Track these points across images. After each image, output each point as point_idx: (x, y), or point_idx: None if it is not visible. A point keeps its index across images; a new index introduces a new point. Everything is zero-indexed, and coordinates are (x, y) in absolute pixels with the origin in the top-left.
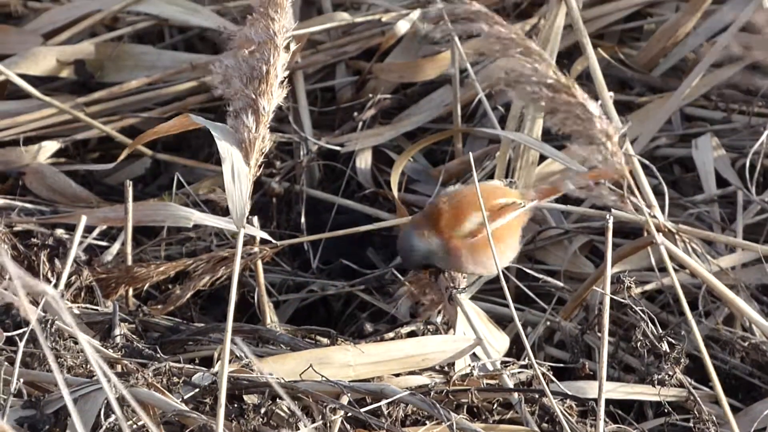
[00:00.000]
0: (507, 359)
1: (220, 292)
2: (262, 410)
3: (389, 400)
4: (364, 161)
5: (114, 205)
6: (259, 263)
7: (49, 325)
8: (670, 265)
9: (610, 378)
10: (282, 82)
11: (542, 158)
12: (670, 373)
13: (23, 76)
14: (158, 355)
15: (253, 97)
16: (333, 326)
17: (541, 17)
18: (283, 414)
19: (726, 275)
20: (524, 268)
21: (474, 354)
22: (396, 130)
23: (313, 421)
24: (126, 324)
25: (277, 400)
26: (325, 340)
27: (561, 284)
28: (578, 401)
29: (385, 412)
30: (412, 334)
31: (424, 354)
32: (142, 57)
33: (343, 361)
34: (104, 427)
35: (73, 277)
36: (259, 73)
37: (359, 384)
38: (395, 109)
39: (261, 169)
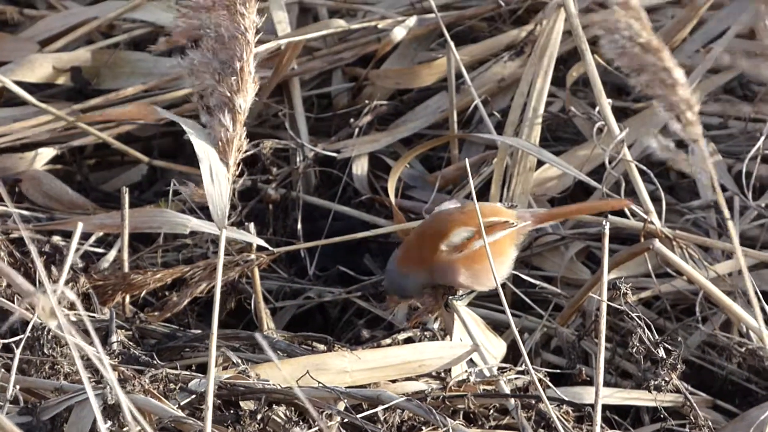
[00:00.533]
0: (504, 365)
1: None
2: (259, 416)
3: (386, 406)
4: (360, 167)
5: (110, 211)
6: (256, 270)
7: (46, 332)
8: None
9: (606, 384)
10: (254, 78)
11: (540, 164)
12: (667, 378)
13: (19, 83)
14: (155, 362)
15: (228, 94)
16: (330, 333)
17: (537, 23)
18: (279, 420)
19: (723, 281)
20: (521, 275)
21: (471, 360)
22: (392, 136)
23: (310, 428)
24: (123, 331)
25: (274, 406)
26: (322, 347)
27: (558, 290)
28: (575, 407)
29: (382, 418)
30: (408, 341)
31: (420, 360)
32: (139, 64)
33: (340, 368)
34: None
35: (70, 284)
36: (232, 70)
37: (356, 390)
38: (391, 116)
39: (241, 168)
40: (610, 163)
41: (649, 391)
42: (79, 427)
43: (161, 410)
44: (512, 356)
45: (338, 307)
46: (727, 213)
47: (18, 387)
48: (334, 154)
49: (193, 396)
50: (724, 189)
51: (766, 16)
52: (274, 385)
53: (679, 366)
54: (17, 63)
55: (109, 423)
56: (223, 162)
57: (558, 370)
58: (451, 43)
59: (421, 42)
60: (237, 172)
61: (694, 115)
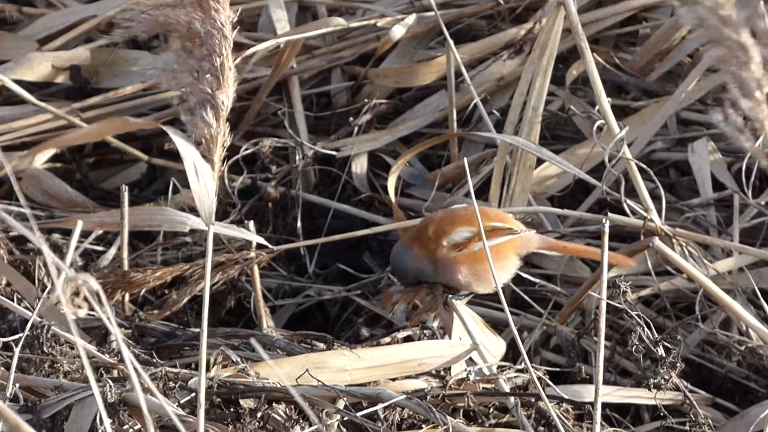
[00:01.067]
0: (503, 363)
1: (218, 297)
2: (258, 415)
3: (385, 404)
4: (359, 166)
5: (110, 209)
6: (256, 268)
7: (45, 331)
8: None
9: (606, 382)
10: (235, 73)
11: (539, 162)
12: (667, 377)
13: (18, 82)
14: (154, 360)
15: (210, 91)
16: (329, 331)
17: (536, 22)
18: (279, 418)
19: (722, 279)
20: (520, 273)
21: (470, 358)
22: (392, 134)
23: (310, 426)
24: (122, 329)
25: (273, 404)
26: (322, 345)
27: (557, 289)
28: (574, 405)
29: (382, 417)
30: (408, 339)
31: (420, 358)
32: (137, 62)
33: (340, 366)
34: (100, 431)
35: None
36: (211, 67)
37: (355, 388)
38: (391, 114)
39: (226, 164)
40: (609, 161)
41: (649, 389)
42: (79, 425)
43: (161, 408)
44: (512, 354)
45: (338, 305)
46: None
47: (18, 385)
48: (334, 153)
49: (193, 394)
50: (723, 187)
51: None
52: (273, 383)
53: (678, 364)
54: (16, 61)
55: (109, 421)
56: (208, 159)
57: (557, 369)
58: (451, 42)
59: (420, 40)
60: (223, 168)
61: (763, 95)
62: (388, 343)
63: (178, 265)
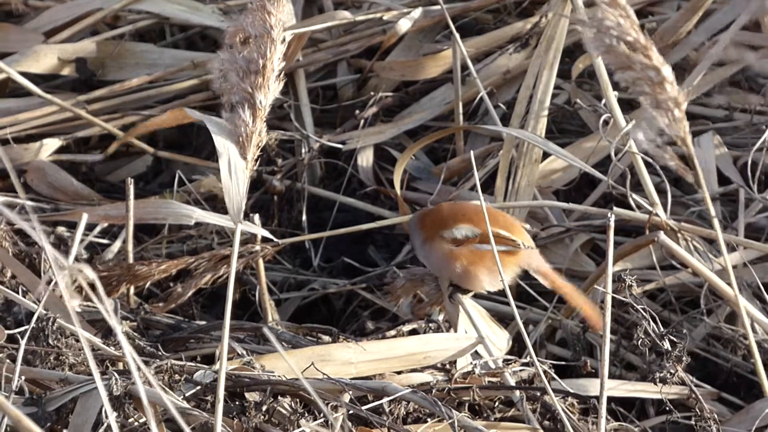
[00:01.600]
0: (509, 357)
1: (222, 290)
2: (264, 408)
3: (391, 397)
4: (365, 159)
5: (115, 202)
6: (261, 261)
7: (51, 323)
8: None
9: (611, 376)
10: (278, 75)
11: (545, 156)
12: (672, 371)
13: (24, 74)
14: (160, 353)
15: (250, 90)
16: (334, 324)
17: (542, 16)
18: (284, 412)
19: (727, 273)
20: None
21: (476, 352)
22: (397, 128)
23: (315, 419)
24: (127, 322)
25: (279, 397)
26: (327, 338)
27: None
28: (580, 399)
29: (387, 410)
30: (413, 332)
31: (425, 352)
32: (144, 55)
33: (345, 359)
34: (105, 425)
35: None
36: (255, 67)
37: (361, 382)
38: (397, 107)
39: (257, 163)
40: (615, 155)
41: (655, 384)
42: (84, 417)
43: (166, 401)
44: (517, 348)
45: (343, 298)
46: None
47: (23, 378)
48: (340, 146)
49: (198, 387)
50: (729, 181)
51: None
52: (279, 376)
53: (684, 358)
54: (22, 54)
55: (115, 414)
56: (242, 157)
57: (563, 362)
58: (457, 35)
59: (426, 34)
60: (255, 166)
61: (681, 113)
62: (394, 336)
63: (183, 258)
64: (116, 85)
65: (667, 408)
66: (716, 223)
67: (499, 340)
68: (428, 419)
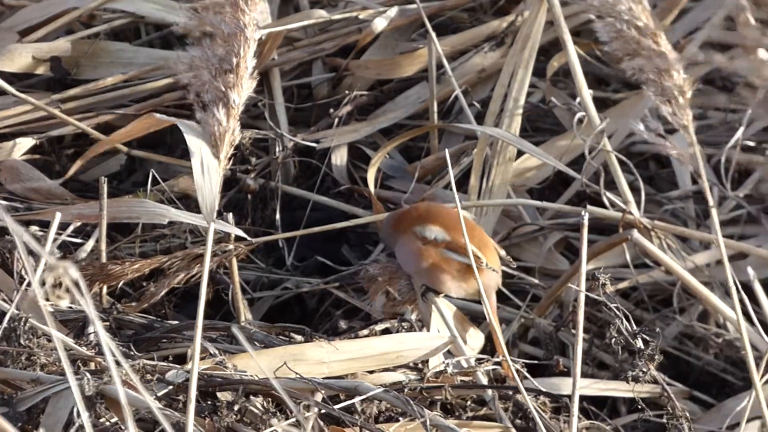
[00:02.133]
0: (481, 356)
1: (195, 289)
2: (236, 407)
3: (363, 397)
4: (339, 158)
5: (89, 201)
6: (234, 260)
7: (23, 323)
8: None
9: (584, 374)
10: (252, 73)
11: (519, 154)
12: (644, 369)
13: None
14: (132, 353)
15: (223, 89)
16: (307, 323)
17: (518, 14)
18: (256, 411)
19: (701, 272)
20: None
21: (448, 351)
22: (372, 126)
23: (287, 419)
24: (100, 321)
25: (251, 397)
26: (300, 338)
27: (536, 281)
28: (552, 398)
29: (359, 409)
30: (386, 332)
31: (398, 351)
32: (119, 54)
33: (318, 358)
34: (77, 425)
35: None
36: (228, 65)
37: (333, 381)
38: (371, 106)
39: (231, 162)
40: (590, 153)
41: (627, 382)
42: (55, 417)
43: (138, 401)
44: (490, 347)
45: (316, 297)
46: (711, 201)
47: None
48: (314, 145)
49: (171, 387)
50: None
51: (748, 8)
52: (251, 376)
53: (656, 357)
54: None
55: (87, 414)
56: (215, 156)
57: (535, 361)
58: (432, 34)
59: (401, 32)
60: (228, 166)
61: (686, 101)
62: (366, 336)
63: (156, 258)
64: (91, 84)
65: (639, 406)
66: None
67: (471, 339)
68: (400, 418)
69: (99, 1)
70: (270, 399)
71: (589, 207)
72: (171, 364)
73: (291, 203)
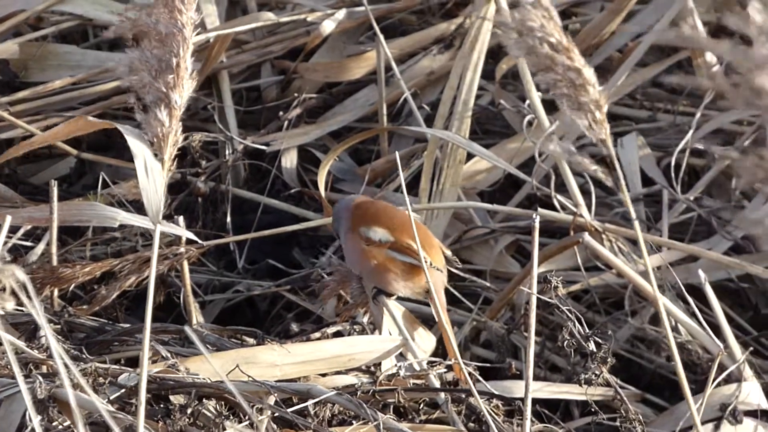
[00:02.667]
0: (433, 359)
1: (146, 292)
2: (189, 410)
3: (316, 400)
4: (289, 161)
5: (39, 204)
6: (185, 263)
7: None
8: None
9: (536, 377)
10: (192, 74)
11: (470, 157)
12: (597, 372)
13: None
14: (84, 356)
15: (164, 90)
16: (259, 326)
17: (466, 17)
18: (209, 414)
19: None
20: (450, 268)
21: (400, 354)
22: (322, 129)
23: (240, 422)
24: (51, 325)
25: (204, 400)
26: (252, 340)
27: (487, 284)
28: (505, 401)
29: (312, 412)
30: (338, 334)
31: (350, 354)
32: (67, 56)
33: (270, 361)
34: (29, 428)
35: None
36: (168, 66)
37: (286, 384)
38: (321, 109)
39: (175, 163)
40: (540, 156)
41: (579, 385)
42: (8, 421)
43: (91, 404)
44: (442, 350)
45: (267, 300)
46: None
47: None
48: (264, 147)
49: (123, 390)
50: (652, 182)
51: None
52: (203, 378)
53: (608, 360)
54: None
55: (39, 417)
56: (158, 158)
57: (488, 364)
58: (381, 36)
59: (350, 35)
60: (172, 167)
61: (602, 115)
62: (318, 339)
63: (107, 261)
64: (39, 87)
65: (592, 409)
66: (637, 225)
67: (423, 342)
68: (353, 421)
69: (46, 4)
70: (223, 402)
71: (540, 210)
72: (123, 368)
73: (242, 206)
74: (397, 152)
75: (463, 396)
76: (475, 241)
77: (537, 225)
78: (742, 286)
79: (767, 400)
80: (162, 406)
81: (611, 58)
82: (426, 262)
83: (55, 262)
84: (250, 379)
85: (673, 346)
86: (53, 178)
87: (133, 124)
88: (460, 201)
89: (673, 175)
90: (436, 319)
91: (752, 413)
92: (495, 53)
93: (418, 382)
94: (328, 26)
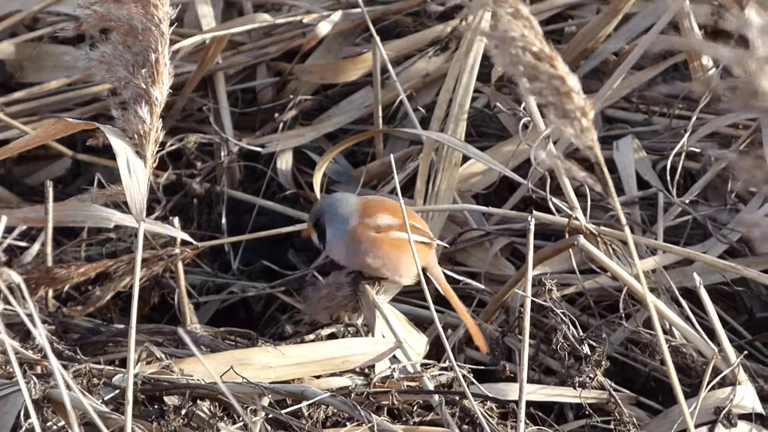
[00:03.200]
0: (427, 361)
1: (141, 293)
2: (183, 411)
3: (310, 401)
4: (285, 162)
5: (34, 205)
6: (180, 264)
7: None
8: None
9: (530, 380)
10: (169, 69)
11: (465, 159)
12: (591, 375)
13: None
14: (78, 357)
15: (144, 86)
16: (253, 328)
17: (462, 19)
18: (203, 415)
19: (646, 278)
20: (444, 270)
21: (394, 356)
22: (317, 131)
23: (234, 423)
24: (46, 325)
25: (198, 401)
26: (246, 342)
27: (482, 286)
28: (499, 403)
29: (306, 414)
30: (332, 336)
31: (344, 356)
32: (62, 57)
33: (264, 363)
34: (24, 428)
35: None
36: (146, 62)
37: (280, 385)
38: (316, 111)
39: (157, 160)
40: (535, 158)
41: (574, 388)
42: (2, 421)
43: (85, 405)
44: (436, 352)
45: (262, 302)
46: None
47: None
48: (259, 149)
49: (117, 391)
50: (648, 185)
51: (691, 15)
52: (198, 380)
53: (603, 362)
54: None
55: (36, 417)
56: (141, 155)
57: (482, 367)
58: (377, 38)
59: (346, 37)
60: (155, 164)
61: (589, 122)
62: (313, 341)
63: (102, 261)
64: (35, 88)
65: (586, 412)
66: (627, 230)
67: (417, 345)
68: (347, 423)
69: (42, 5)
70: (217, 403)
71: (535, 212)
72: (117, 368)
73: (237, 207)
74: (392, 154)
75: (457, 398)
76: (470, 244)
77: (532, 228)
78: (737, 290)
79: (761, 404)
80: (156, 407)
81: (607, 61)
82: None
83: (50, 263)
84: (244, 380)
85: (665, 348)
86: (48, 178)
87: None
88: (455, 203)
89: (668, 178)
90: (441, 290)
91: (747, 416)
92: (489, 57)
93: (412, 384)
94: (323, 28)
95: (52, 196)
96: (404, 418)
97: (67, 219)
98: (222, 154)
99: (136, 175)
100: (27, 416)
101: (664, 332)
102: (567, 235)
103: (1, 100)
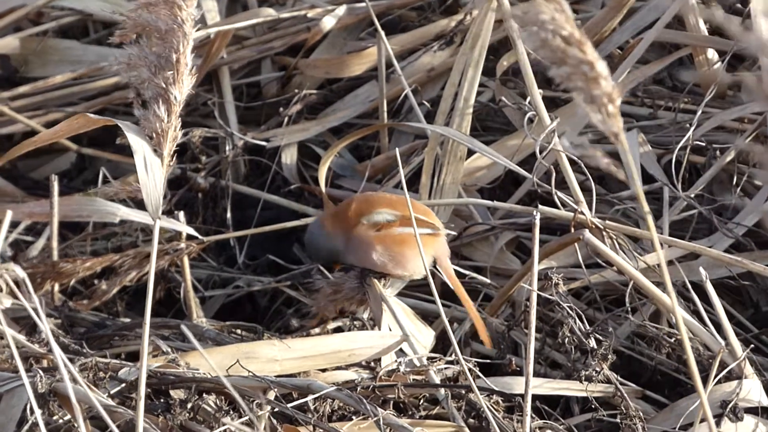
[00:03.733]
0: (433, 355)
1: (147, 287)
2: (189, 405)
3: (316, 395)
4: (289, 157)
5: (39, 200)
6: (185, 259)
7: None
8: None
9: (536, 374)
10: (191, 69)
11: (470, 153)
12: (597, 369)
13: None
14: (84, 351)
15: (164, 86)
16: (259, 322)
17: (467, 13)
18: (209, 409)
19: (652, 272)
20: (450, 264)
21: (400, 350)
22: (322, 125)
23: (240, 417)
24: (52, 319)
25: (204, 395)
26: (252, 336)
27: (487, 280)
28: (505, 397)
29: (312, 408)
30: (338, 330)
31: (350, 349)
32: (67, 52)
33: (270, 356)
34: (30, 422)
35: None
36: (167, 62)
37: (286, 379)
38: (321, 105)
39: (174, 158)
40: (540, 153)
41: (580, 382)
42: (8, 415)
43: (91, 399)
44: (442, 346)
45: (267, 296)
46: (646, 207)
47: None
48: (264, 143)
49: (123, 385)
50: (653, 180)
51: (696, 9)
52: (203, 373)
53: (609, 356)
54: None
55: (40, 411)
56: (158, 153)
57: (488, 360)
58: (382, 33)
59: (350, 31)
60: (171, 163)
61: (615, 109)
62: (318, 334)
63: (107, 256)
64: (40, 82)
65: (592, 406)
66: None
67: (423, 338)
68: (353, 417)
69: None
70: (223, 397)
71: (540, 207)
72: (123, 362)
73: (242, 202)
74: (397, 149)
75: (463, 392)
76: (476, 238)
77: (537, 222)
78: (743, 284)
79: None
80: (162, 400)
81: (612, 55)
82: (438, 228)
83: (55, 257)
84: (250, 374)
85: (686, 339)
86: (54, 173)
87: (133, 120)
88: (460, 198)
89: (674, 172)
90: (449, 283)
91: (753, 410)
92: (496, 50)
93: (418, 377)
94: (328, 22)
95: (57, 190)
96: (410, 412)
97: (73, 213)
98: (227, 148)
99: (152, 173)
100: (33, 410)
101: (670, 326)
102: (572, 230)
103: (6, 94)
